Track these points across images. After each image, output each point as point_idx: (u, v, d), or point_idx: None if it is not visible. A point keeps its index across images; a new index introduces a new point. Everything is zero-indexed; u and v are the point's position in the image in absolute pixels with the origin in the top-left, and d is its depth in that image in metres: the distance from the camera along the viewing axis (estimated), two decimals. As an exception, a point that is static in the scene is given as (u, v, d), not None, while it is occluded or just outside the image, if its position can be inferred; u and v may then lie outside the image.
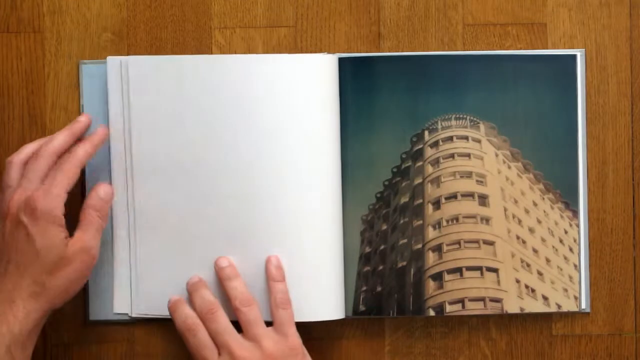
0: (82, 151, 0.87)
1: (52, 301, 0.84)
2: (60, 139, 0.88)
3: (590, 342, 0.95)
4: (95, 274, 0.93)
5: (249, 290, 0.90)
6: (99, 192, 0.89)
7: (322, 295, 0.91)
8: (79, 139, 0.89)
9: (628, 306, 0.95)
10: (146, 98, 0.92)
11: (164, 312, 0.92)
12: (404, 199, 0.94)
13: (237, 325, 0.88)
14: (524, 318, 0.95)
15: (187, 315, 0.89)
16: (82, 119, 0.91)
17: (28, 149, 0.88)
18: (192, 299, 0.89)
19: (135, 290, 0.93)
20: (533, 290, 0.93)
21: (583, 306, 0.94)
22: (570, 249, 0.94)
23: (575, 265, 0.94)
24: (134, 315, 0.94)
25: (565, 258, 0.93)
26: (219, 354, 0.87)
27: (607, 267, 0.94)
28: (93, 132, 0.90)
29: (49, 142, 0.87)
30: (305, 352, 0.89)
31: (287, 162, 0.90)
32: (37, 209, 0.83)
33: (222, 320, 0.88)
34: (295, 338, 0.88)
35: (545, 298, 0.93)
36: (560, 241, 0.94)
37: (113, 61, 0.93)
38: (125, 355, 0.95)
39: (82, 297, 0.93)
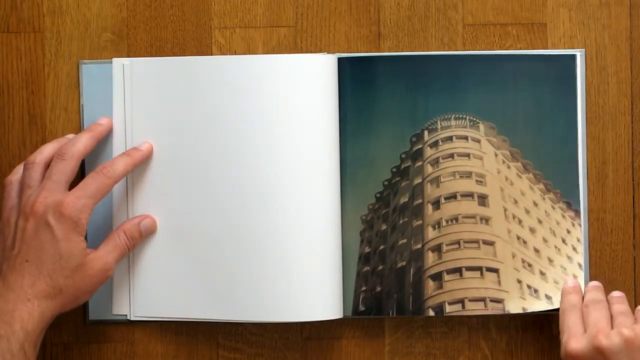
0: (122, 166, 0.88)
1: (64, 305, 0.85)
2: (82, 141, 0.88)
3: (590, 342, 0.95)
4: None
5: (256, 289, 0.91)
6: (141, 223, 0.91)
7: (320, 294, 0.91)
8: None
9: (628, 306, 0.95)
10: (149, 99, 0.92)
11: (162, 315, 0.93)
12: (404, 199, 0.94)
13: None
14: (524, 318, 0.94)
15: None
16: (104, 122, 0.91)
17: (48, 149, 0.89)
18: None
19: (134, 293, 0.93)
20: (536, 291, 0.93)
21: (583, 306, 0.94)
22: (574, 249, 0.93)
23: (580, 265, 0.93)
24: (133, 318, 0.94)
25: (569, 257, 0.93)
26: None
27: (607, 267, 0.94)
28: (133, 148, 0.91)
29: (73, 145, 0.87)
30: None
31: (286, 162, 0.90)
32: (64, 214, 0.83)
33: None
34: None
35: (548, 297, 0.93)
36: (563, 241, 0.93)
37: (118, 63, 0.93)
38: (125, 355, 0.95)
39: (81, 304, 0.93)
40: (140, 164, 0.91)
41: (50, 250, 0.83)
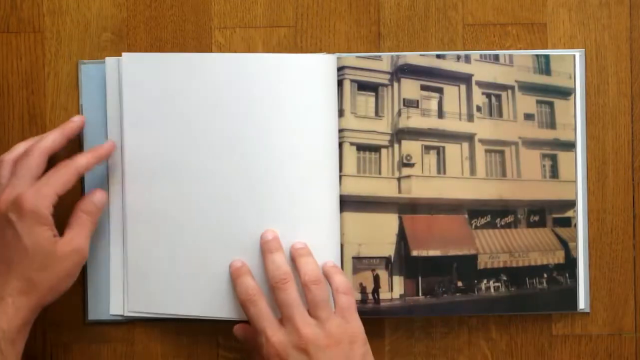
0: (83, 160, 0.88)
1: (41, 298, 0.84)
2: (50, 138, 0.88)
3: (590, 342, 0.95)
4: (93, 274, 0.93)
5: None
6: (92, 198, 0.90)
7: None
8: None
9: (628, 306, 0.95)
10: (141, 95, 0.92)
11: (158, 311, 0.93)
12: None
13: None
14: (524, 318, 0.95)
15: (249, 285, 0.88)
16: (76, 120, 0.91)
17: (20, 147, 0.88)
18: (266, 264, 0.89)
19: (128, 288, 0.93)
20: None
21: (582, 306, 0.94)
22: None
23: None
24: (127, 314, 0.94)
25: None
26: (283, 325, 0.86)
27: (607, 267, 0.94)
28: (100, 145, 0.91)
29: (40, 140, 0.87)
30: (366, 340, 0.87)
31: (284, 161, 0.90)
32: (24, 207, 0.83)
33: (293, 292, 0.87)
34: (357, 324, 0.87)
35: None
36: None
37: (111, 62, 0.93)
38: (125, 355, 0.95)
39: (81, 297, 0.93)
40: (103, 160, 0.91)
41: (15, 248, 0.83)
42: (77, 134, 0.91)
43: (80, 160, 0.88)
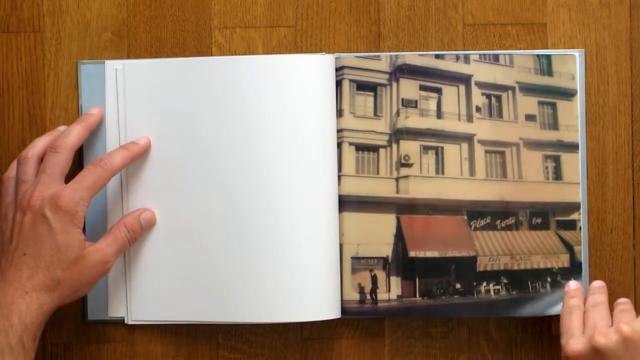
0: (118, 159, 0.88)
1: (62, 298, 0.85)
2: (74, 133, 0.88)
3: (590, 343, 0.95)
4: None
5: (254, 290, 0.91)
6: (141, 215, 0.91)
7: (317, 295, 0.91)
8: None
9: (628, 306, 0.95)
10: (143, 102, 0.92)
11: (161, 318, 0.93)
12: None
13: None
14: (524, 318, 0.94)
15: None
16: (95, 112, 0.92)
17: (41, 143, 0.89)
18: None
19: (131, 296, 0.93)
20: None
21: (582, 307, 0.94)
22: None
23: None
24: (130, 322, 0.94)
25: None
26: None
27: (607, 267, 0.94)
28: (134, 142, 0.91)
29: (65, 137, 0.87)
30: None
31: (284, 161, 0.90)
32: (61, 206, 0.83)
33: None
34: None
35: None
36: None
37: (111, 65, 0.93)
38: (125, 355, 0.95)
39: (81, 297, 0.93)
40: (138, 158, 0.91)
41: (47, 243, 0.83)
42: (96, 126, 0.91)
43: (115, 160, 0.88)
